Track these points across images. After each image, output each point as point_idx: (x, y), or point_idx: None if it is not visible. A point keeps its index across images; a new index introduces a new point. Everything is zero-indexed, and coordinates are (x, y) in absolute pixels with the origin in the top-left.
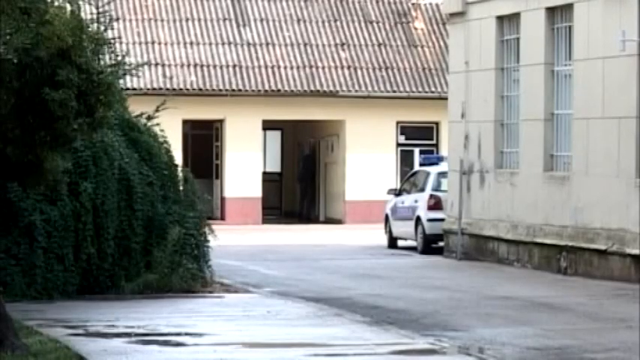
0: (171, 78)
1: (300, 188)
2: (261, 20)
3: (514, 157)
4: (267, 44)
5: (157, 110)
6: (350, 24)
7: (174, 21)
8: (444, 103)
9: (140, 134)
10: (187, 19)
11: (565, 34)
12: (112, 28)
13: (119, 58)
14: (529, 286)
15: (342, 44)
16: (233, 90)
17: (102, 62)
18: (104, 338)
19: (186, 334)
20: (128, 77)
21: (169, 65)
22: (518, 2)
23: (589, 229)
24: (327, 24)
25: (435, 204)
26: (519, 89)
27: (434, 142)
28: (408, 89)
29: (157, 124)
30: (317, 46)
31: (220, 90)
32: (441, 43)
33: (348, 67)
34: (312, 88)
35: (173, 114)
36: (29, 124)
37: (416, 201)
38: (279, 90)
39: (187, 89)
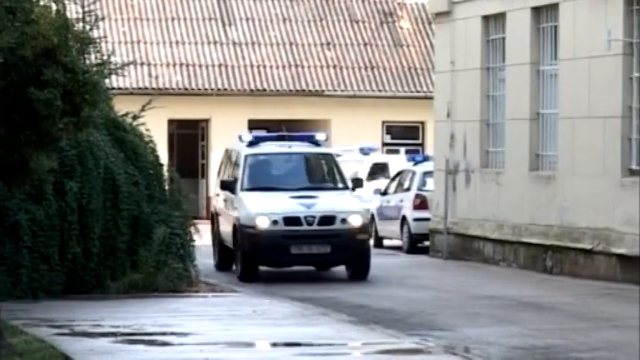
0: (156, 77)
1: None
2: (247, 20)
3: (500, 156)
4: (253, 44)
5: (142, 110)
6: (336, 23)
7: (160, 20)
8: (429, 103)
9: (126, 134)
10: (173, 19)
11: (551, 34)
12: (98, 28)
13: (105, 57)
14: (515, 286)
15: (328, 44)
16: (219, 89)
17: (87, 61)
18: (90, 338)
19: (172, 333)
20: (114, 77)
21: (155, 65)
22: (504, 2)
23: (575, 229)
24: (312, 23)
25: (421, 203)
26: (505, 89)
27: (419, 141)
28: (393, 89)
29: (143, 124)
30: (303, 45)
31: (206, 89)
32: (427, 43)
33: (334, 67)
34: (298, 87)
35: (159, 113)
36: (14, 123)
37: (401, 200)
38: (264, 89)
39: (173, 89)
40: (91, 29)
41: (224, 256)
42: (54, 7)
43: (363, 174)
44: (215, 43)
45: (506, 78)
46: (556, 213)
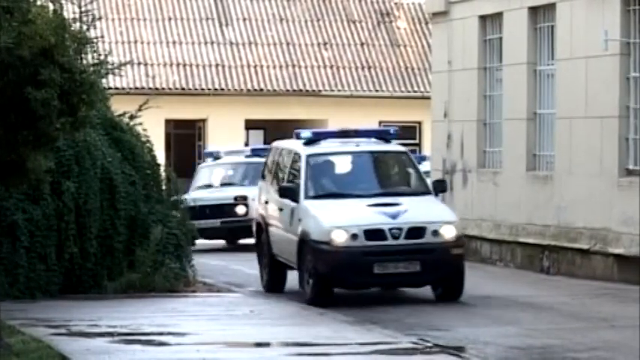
0: (153, 77)
1: None
2: (244, 20)
3: (497, 156)
4: (250, 44)
5: (139, 109)
6: (333, 23)
7: (157, 20)
8: (426, 103)
9: (123, 133)
10: (170, 19)
11: (548, 34)
12: (95, 27)
13: (102, 57)
14: (512, 286)
15: (325, 44)
16: (215, 89)
17: (84, 61)
18: (87, 338)
19: (169, 333)
20: (111, 76)
21: (152, 64)
22: (501, 2)
23: (572, 229)
24: (309, 23)
25: None
26: (502, 89)
27: (417, 141)
28: (390, 89)
29: (140, 124)
30: (300, 45)
31: (203, 89)
32: (424, 43)
33: (331, 67)
34: (295, 87)
35: (156, 113)
36: (11, 123)
37: None
38: (261, 89)
39: (170, 88)
40: (88, 29)
41: (276, 274)
42: (51, 7)
43: None
44: (212, 43)
45: (503, 78)
46: (553, 213)
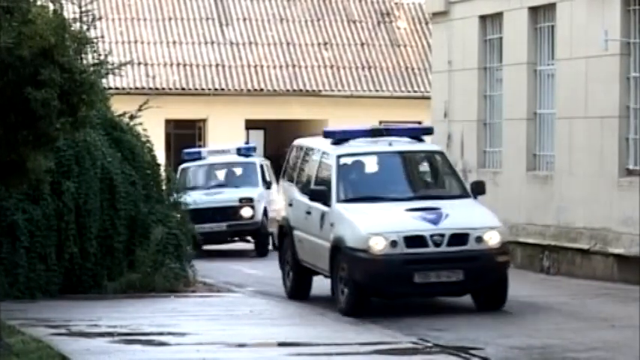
0: (153, 77)
1: None
2: (244, 20)
3: (497, 156)
4: (250, 44)
5: (139, 109)
6: (333, 23)
7: (157, 20)
8: (426, 103)
9: (123, 134)
10: (170, 19)
11: (548, 34)
12: (95, 27)
13: (102, 57)
14: (512, 286)
15: (325, 44)
16: (216, 89)
17: (84, 61)
18: (87, 338)
19: (169, 333)
20: (111, 76)
21: (152, 64)
22: (501, 2)
23: (572, 229)
24: (309, 23)
25: None
26: (502, 89)
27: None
28: (390, 89)
29: (140, 124)
30: (300, 45)
31: (203, 89)
32: (424, 43)
33: (331, 67)
34: (295, 87)
35: (156, 113)
36: (11, 123)
37: None
38: (261, 89)
39: (170, 88)
40: (88, 29)
41: (301, 281)
42: (51, 7)
43: None
44: (212, 43)
45: (503, 78)
46: (553, 213)
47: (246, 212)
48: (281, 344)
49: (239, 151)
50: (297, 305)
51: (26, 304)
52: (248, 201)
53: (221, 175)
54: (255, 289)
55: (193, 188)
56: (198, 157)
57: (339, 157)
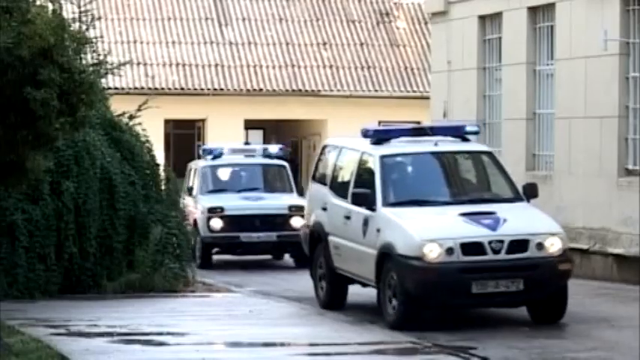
0: (153, 77)
1: None
2: (243, 20)
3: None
4: (249, 44)
5: (139, 109)
6: (332, 23)
7: (156, 20)
8: (426, 103)
9: (122, 134)
10: (169, 19)
11: (547, 34)
12: (94, 27)
13: (101, 57)
14: None
15: (324, 44)
16: (215, 89)
17: (84, 61)
18: (86, 338)
19: (169, 333)
20: (110, 76)
21: (151, 64)
22: (500, 2)
23: (571, 229)
24: (309, 23)
25: None
26: (501, 89)
27: None
28: (390, 89)
29: (139, 124)
30: (299, 45)
31: (202, 89)
32: (423, 43)
33: (330, 67)
34: (294, 87)
35: (155, 113)
36: (11, 123)
37: None
38: (261, 89)
39: (169, 88)
40: (87, 29)
41: (337, 290)
42: (50, 7)
43: None
44: (211, 43)
45: (502, 78)
46: (552, 213)
47: (296, 222)
48: (281, 344)
49: (265, 152)
50: (297, 305)
51: (25, 304)
52: (298, 209)
53: (250, 177)
54: (254, 288)
55: (220, 191)
56: (219, 155)
57: (382, 157)
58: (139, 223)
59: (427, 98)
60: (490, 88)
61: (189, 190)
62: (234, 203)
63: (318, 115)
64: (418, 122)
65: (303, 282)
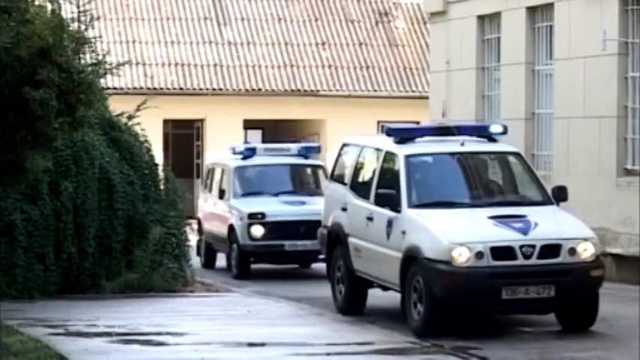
0: (152, 77)
1: None
2: (242, 19)
3: None
4: (248, 43)
5: (137, 109)
6: (331, 23)
7: (155, 20)
8: (425, 103)
9: (121, 133)
10: (168, 19)
11: (546, 34)
12: (93, 27)
13: (100, 57)
14: None
15: (323, 43)
16: (214, 89)
17: (82, 61)
18: (85, 338)
19: (168, 333)
20: (109, 76)
21: (150, 64)
22: (499, 2)
23: None
24: (307, 23)
25: None
26: (500, 89)
27: None
28: (389, 88)
29: (138, 124)
30: (298, 45)
31: (201, 89)
32: (422, 43)
33: (329, 67)
34: (293, 87)
35: (154, 113)
36: (9, 123)
37: None
38: (259, 89)
39: (168, 88)
40: (86, 29)
41: (356, 293)
42: (49, 6)
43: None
44: (210, 42)
45: (501, 78)
46: None
47: None
48: (280, 344)
49: (300, 151)
50: (296, 305)
51: (24, 304)
52: None
53: (286, 179)
54: (253, 289)
55: (254, 194)
56: (251, 154)
57: (407, 157)
58: (137, 223)
59: (426, 98)
60: (489, 88)
61: (221, 193)
62: (276, 208)
63: (317, 115)
64: (417, 122)
65: (302, 281)
